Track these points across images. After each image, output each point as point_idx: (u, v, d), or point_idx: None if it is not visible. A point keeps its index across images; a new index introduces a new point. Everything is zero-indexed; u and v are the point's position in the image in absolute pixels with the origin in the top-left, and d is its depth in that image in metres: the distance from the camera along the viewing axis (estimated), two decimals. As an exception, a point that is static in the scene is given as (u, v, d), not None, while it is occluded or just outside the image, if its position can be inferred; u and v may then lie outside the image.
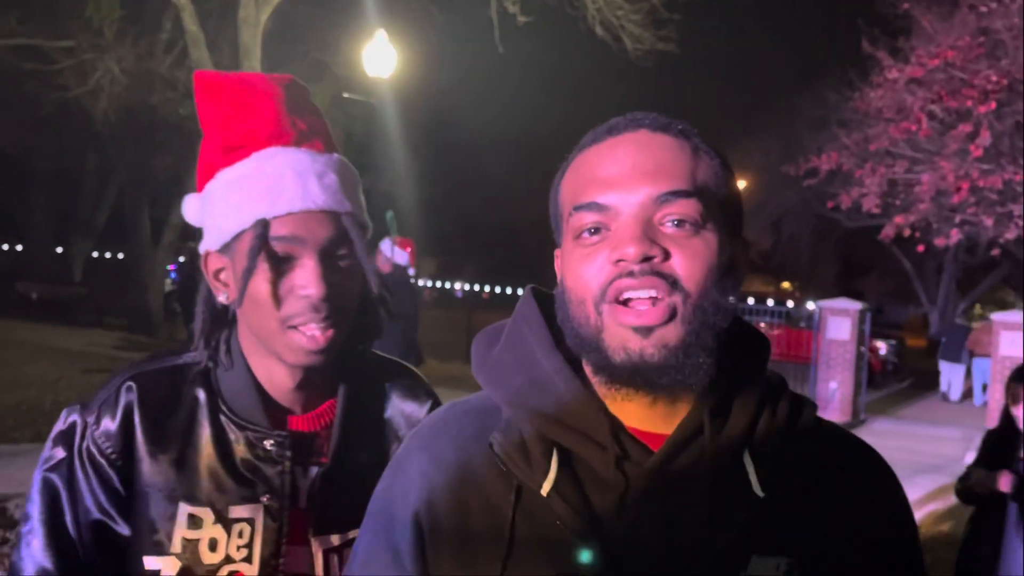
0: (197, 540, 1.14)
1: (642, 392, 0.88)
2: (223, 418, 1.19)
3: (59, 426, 1.19)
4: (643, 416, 0.91)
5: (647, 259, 0.86)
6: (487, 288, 18.24)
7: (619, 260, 0.86)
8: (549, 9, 14.16)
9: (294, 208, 1.13)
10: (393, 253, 6.05)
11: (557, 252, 0.99)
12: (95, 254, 23.87)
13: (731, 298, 0.90)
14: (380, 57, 13.61)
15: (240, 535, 1.16)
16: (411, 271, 6.15)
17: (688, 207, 0.88)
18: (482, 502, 0.92)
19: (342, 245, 1.17)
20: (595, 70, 28.42)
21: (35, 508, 1.16)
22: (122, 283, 19.24)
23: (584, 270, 0.89)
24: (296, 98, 1.21)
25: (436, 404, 1.33)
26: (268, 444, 1.18)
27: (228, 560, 1.15)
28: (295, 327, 1.14)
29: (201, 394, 1.20)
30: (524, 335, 0.98)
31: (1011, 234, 11.97)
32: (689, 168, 0.91)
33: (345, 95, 16.24)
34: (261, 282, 1.13)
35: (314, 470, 1.21)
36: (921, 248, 14.22)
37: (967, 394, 17.06)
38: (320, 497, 1.20)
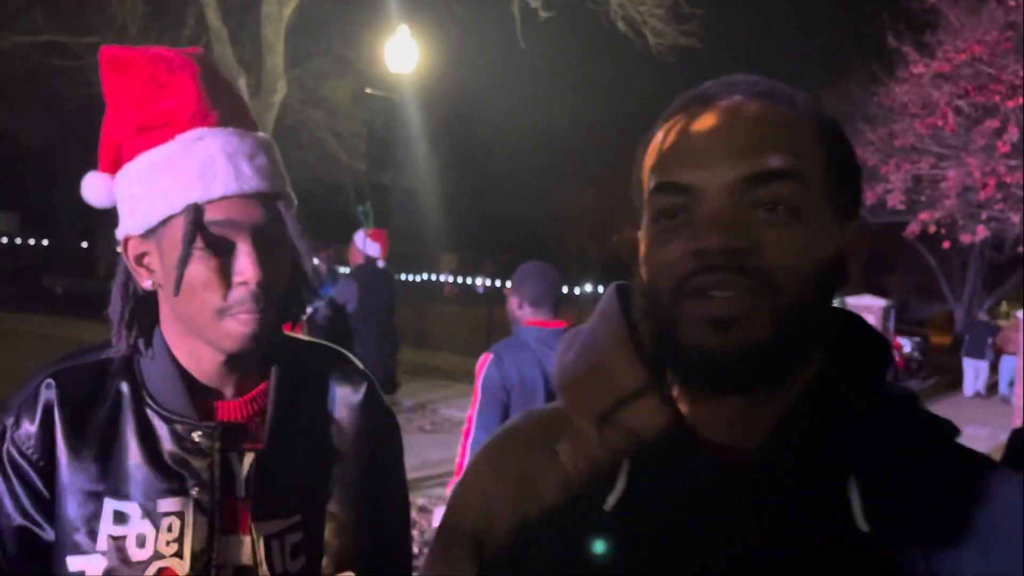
0: (124, 536, 1.10)
1: (723, 399, 0.79)
2: (148, 411, 1.15)
3: None
4: (728, 429, 0.80)
5: (732, 251, 0.74)
6: (507, 284, 18.29)
7: (699, 251, 0.75)
8: (571, 4, 14.10)
9: (228, 192, 1.08)
10: (365, 245, 6.12)
11: (638, 235, 0.88)
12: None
13: (836, 295, 0.80)
14: (402, 52, 13.61)
15: (169, 529, 1.11)
16: (381, 263, 6.14)
17: (785, 190, 0.76)
18: (544, 516, 0.86)
19: (276, 228, 1.13)
20: (617, 65, 28.31)
21: None
22: (146, 278, 19.34)
23: (660, 258, 0.79)
24: (214, 74, 1.16)
25: (372, 388, 1.30)
26: (196, 436, 1.14)
27: (157, 556, 1.11)
28: (232, 315, 1.10)
29: (124, 387, 1.16)
30: (600, 337, 0.89)
31: (1039, 231, 11.82)
32: (790, 142, 0.77)
33: (367, 90, 16.26)
34: (197, 269, 1.09)
35: (250, 457, 1.17)
36: (947, 245, 14.08)
37: (991, 389, 16.89)
38: (257, 484, 1.16)
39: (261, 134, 1.16)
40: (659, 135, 0.84)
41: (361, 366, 1.34)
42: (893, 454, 0.77)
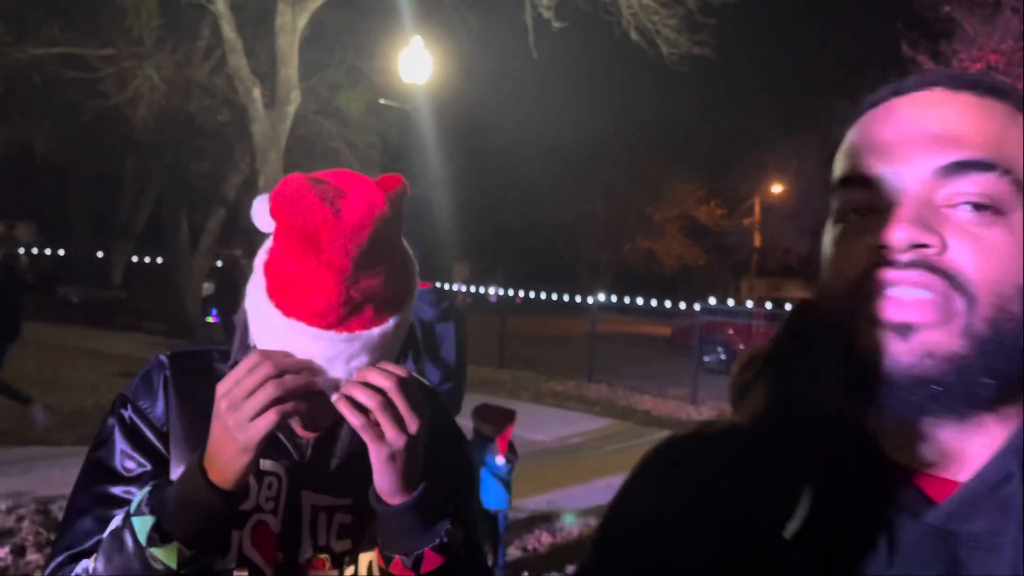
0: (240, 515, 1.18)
1: (910, 419, 0.68)
2: None
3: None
4: (931, 456, 0.69)
5: (918, 247, 0.66)
6: (521, 293, 18.25)
7: (881, 246, 0.67)
8: (584, 14, 14.14)
9: (314, 388, 1.10)
10: None
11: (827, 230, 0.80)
12: (134, 259, 24.17)
13: None
14: (416, 63, 13.68)
15: (269, 487, 1.22)
16: None
17: (986, 184, 0.67)
18: (714, 541, 0.75)
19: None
20: (630, 75, 28.35)
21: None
22: (161, 287, 19.49)
23: (839, 256, 0.71)
24: (371, 252, 1.08)
25: (437, 401, 1.36)
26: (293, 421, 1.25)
27: (258, 509, 1.21)
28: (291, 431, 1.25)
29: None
30: (784, 354, 0.80)
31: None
32: (996, 134, 0.69)
33: (381, 101, 16.34)
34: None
35: (324, 437, 1.27)
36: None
37: None
38: (313, 458, 1.26)
39: (377, 331, 1.13)
40: (853, 129, 0.77)
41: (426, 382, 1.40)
42: None
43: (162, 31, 14.78)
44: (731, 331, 17.73)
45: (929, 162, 0.68)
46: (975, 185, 0.67)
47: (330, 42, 16.02)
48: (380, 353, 1.13)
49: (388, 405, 1.06)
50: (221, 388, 1.06)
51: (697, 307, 16.68)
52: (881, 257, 0.67)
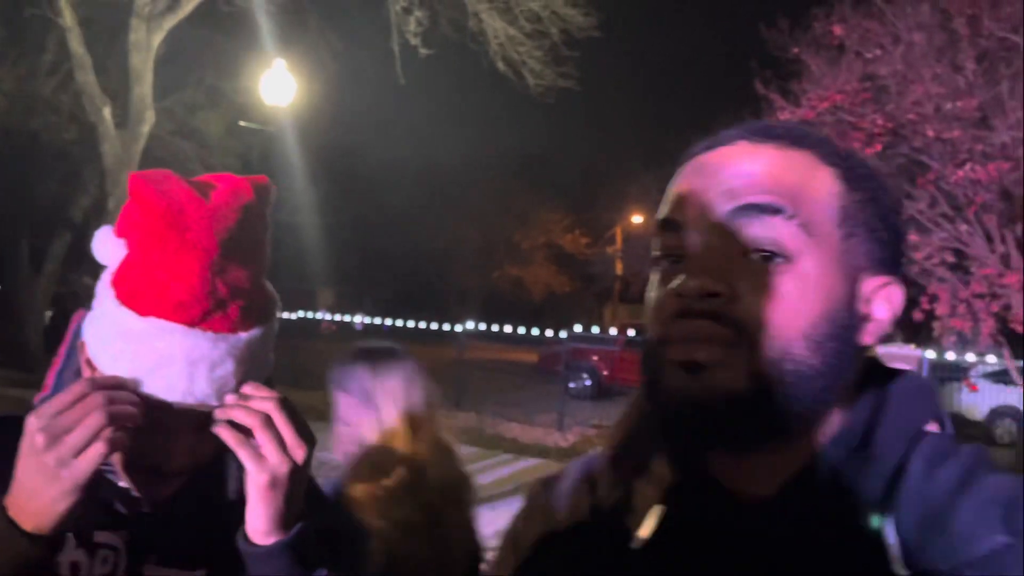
0: (56, 563, 1.04)
1: (693, 445, 0.76)
2: None
3: None
4: (750, 477, 0.75)
5: (710, 296, 0.70)
6: (388, 320, 18.01)
7: (678, 293, 0.71)
8: (451, 43, 14.21)
9: (171, 399, 1.01)
10: None
11: None
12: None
13: (855, 350, 0.73)
14: (278, 85, 13.37)
15: (104, 562, 1.09)
16: None
17: (773, 228, 0.71)
18: (571, 554, 0.85)
19: (209, 428, 1.04)
20: (497, 104, 28.68)
21: None
22: (-2, 316, 18.22)
23: (651, 300, 0.77)
24: (234, 244, 1.03)
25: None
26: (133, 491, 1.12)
27: None
28: (147, 483, 1.09)
29: None
30: (636, 392, 0.88)
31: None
32: (790, 181, 0.72)
33: (241, 123, 15.87)
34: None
35: (170, 504, 1.13)
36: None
37: None
38: (161, 531, 1.12)
39: (244, 336, 1.05)
40: (670, 184, 0.82)
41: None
42: (937, 496, 0.70)
43: (2, 43, 13.90)
44: (596, 357, 18.09)
45: (721, 206, 0.72)
46: (764, 229, 0.71)
47: (188, 61, 15.48)
48: (246, 367, 1.04)
49: (271, 426, 0.98)
50: (36, 422, 0.92)
51: (564, 334, 16.95)
52: (679, 303, 0.72)
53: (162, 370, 1.00)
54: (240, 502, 1.02)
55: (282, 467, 0.97)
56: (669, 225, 0.76)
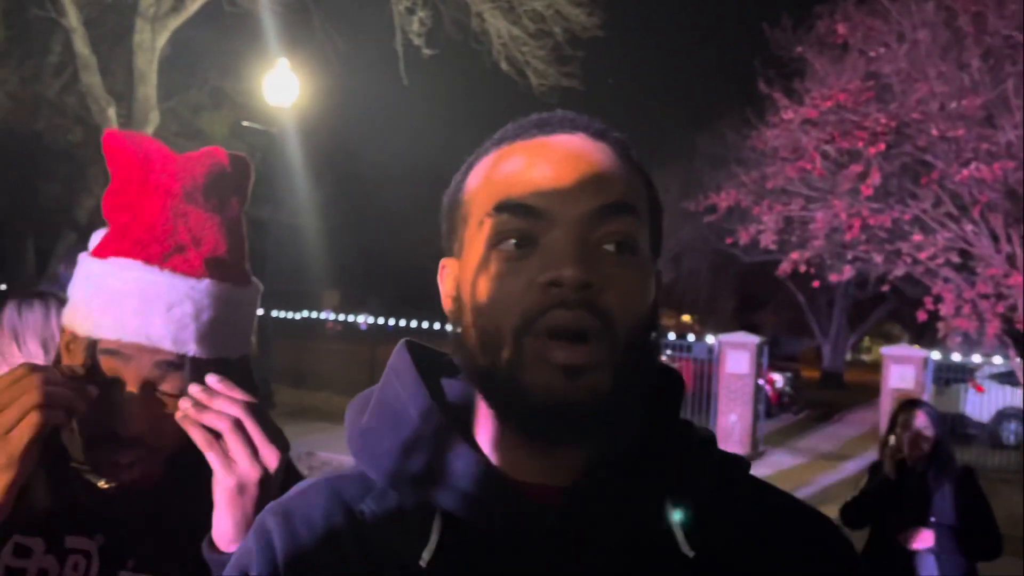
0: (23, 570, 1.03)
1: (555, 444, 0.75)
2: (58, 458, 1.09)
3: None
4: (541, 469, 0.76)
5: (585, 287, 0.70)
6: (392, 321, 18.01)
7: (552, 284, 0.71)
8: (454, 43, 14.21)
9: (124, 337, 1.01)
10: None
11: (446, 263, 0.84)
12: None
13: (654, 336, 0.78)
14: (282, 85, 13.36)
15: (75, 568, 1.06)
16: None
17: (628, 226, 0.75)
18: None
19: (174, 380, 1.04)
20: (500, 104, 28.63)
21: None
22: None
23: (501, 289, 0.73)
24: (199, 194, 1.05)
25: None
26: (103, 483, 1.09)
27: None
28: (105, 459, 1.05)
29: None
30: (395, 391, 0.83)
31: (899, 271, 12.45)
32: (628, 183, 0.78)
33: (244, 123, 15.88)
34: (94, 400, 1.02)
35: (144, 506, 1.11)
36: (815, 283, 14.67)
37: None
38: (143, 534, 1.10)
39: (208, 282, 1.05)
40: (493, 157, 0.80)
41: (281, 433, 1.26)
42: (705, 482, 0.78)
43: (7, 44, 13.91)
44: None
45: (589, 202, 0.73)
46: (622, 226, 0.74)
47: (192, 62, 15.50)
48: (209, 318, 1.03)
49: (240, 430, 0.95)
50: None
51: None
52: (550, 294, 0.71)
53: (116, 306, 1.00)
54: None
55: (251, 473, 0.95)
56: (523, 210, 0.74)
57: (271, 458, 0.97)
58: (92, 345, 1.03)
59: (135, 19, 12.45)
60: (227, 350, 1.08)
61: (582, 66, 14.46)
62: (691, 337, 15.04)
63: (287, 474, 1.22)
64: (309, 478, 0.90)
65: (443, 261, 0.85)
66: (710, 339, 14.38)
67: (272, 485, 0.98)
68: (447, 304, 0.83)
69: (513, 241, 0.74)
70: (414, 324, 17.69)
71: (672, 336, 15.12)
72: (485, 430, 0.80)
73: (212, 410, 0.96)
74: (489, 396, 0.76)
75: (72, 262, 1.11)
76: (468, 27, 14.01)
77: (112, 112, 12.47)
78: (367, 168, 29.52)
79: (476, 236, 0.77)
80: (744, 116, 15.24)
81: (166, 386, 1.04)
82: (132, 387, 1.02)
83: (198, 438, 0.95)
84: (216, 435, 0.96)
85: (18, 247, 18.03)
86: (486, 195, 0.77)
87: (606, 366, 0.71)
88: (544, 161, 0.76)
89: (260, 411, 0.98)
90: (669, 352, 15.73)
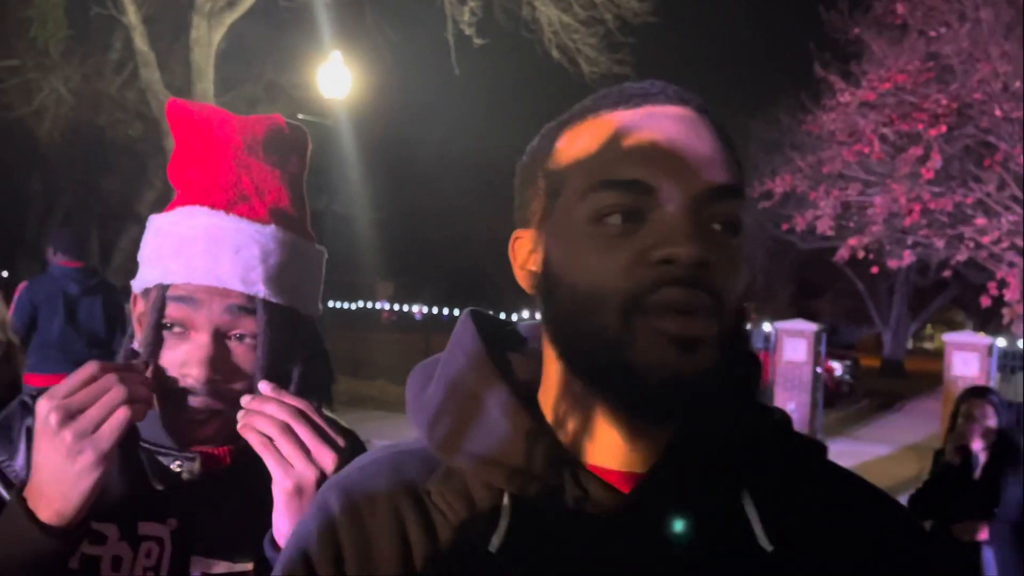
0: (98, 557, 1.03)
1: (663, 422, 0.72)
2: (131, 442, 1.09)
3: None
4: (619, 454, 0.73)
5: (702, 265, 0.68)
6: (446, 310, 18.12)
7: (668, 258, 0.68)
8: (505, 32, 14.18)
9: (194, 279, 1.03)
10: None
11: (521, 234, 0.80)
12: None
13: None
14: (335, 78, 13.49)
15: (148, 555, 1.06)
16: None
17: (736, 207, 0.73)
18: (424, 564, 0.74)
19: (245, 326, 1.05)
20: (552, 92, 28.53)
21: None
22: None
23: (605, 265, 0.69)
24: (261, 150, 1.09)
25: (356, 443, 1.22)
26: (175, 466, 1.10)
27: None
28: (181, 407, 1.05)
29: None
30: (459, 365, 0.80)
31: (962, 256, 12.17)
32: (735, 162, 0.74)
33: (300, 116, 16.07)
34: (162, 352, 1.06)
35: (217, 492, 1.11)
36: (874, 270, 14.39)
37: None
38: (209, 521, 1.10)
39: (273, 227, 1.07)
40: (593, 125, 0.75)
41: (344, 424, 1.26)
42: (781, 472, 0.75)
43: (70, 42, 14.24)
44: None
45: (701, 182, 0.70)
46: (730, 208, 0.72)
47: (248, 56, 15.70)
48: (275, 264, 1.05)
49: (290, 433, 0.96)
50: (47, 403, 0.92)
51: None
52: (664, 272, 0.68)
53: (184, 251, 1.02)
54: None
55: (308, 474, 0.95)
56: (634, 186, 0.70)
57: (327, 459, 0.96)
58: (162, 296, 1.04)
59: (192, 15, 12.66)
60: (295, 300, 1.09)
61: (634, 52, 14.34)
62: (747, 325, 14.86)
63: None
64: (370, 451, 0.88)
65: (518, 233, 0.80)
66: (767, 327, 14.20)
67: None
68: (525, 279, 0.79)
69: (620, 217, 0.70)
70: (467, 313, 17.75)
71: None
72: (556, 408, 0.76)
73: (262, 415, 0.97)
74: (590, 374, 0.72)
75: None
76: (519, 16, 13.98)
77: (171, 107, 12.70)
78: (419, 159, 29.70)
79: (573, 209, 0.73)
80: (799, 100, 15.01)
81: (238, 331, 1.05)
82: (204, 333, 1.03)
83: (254, 441, 0.97)
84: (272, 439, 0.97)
85: (85, 241, 18.49)
86: (586, 167, 0.73)
87: (715, 342, 0.69)
88: (654, 133, 0.72)
89: (309, 416, 0.99)
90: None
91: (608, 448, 0.74)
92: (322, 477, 0.96)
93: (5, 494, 1.05)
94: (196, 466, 1.09)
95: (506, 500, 0.73)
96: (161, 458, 1.10)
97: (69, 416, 0.92)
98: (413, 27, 15.52)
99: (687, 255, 0.67)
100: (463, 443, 0.76)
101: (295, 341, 1.11)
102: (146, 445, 1.10)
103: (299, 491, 0.95)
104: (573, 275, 0.72)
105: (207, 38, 12.70)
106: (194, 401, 1.05)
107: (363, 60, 14.88)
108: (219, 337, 1.04)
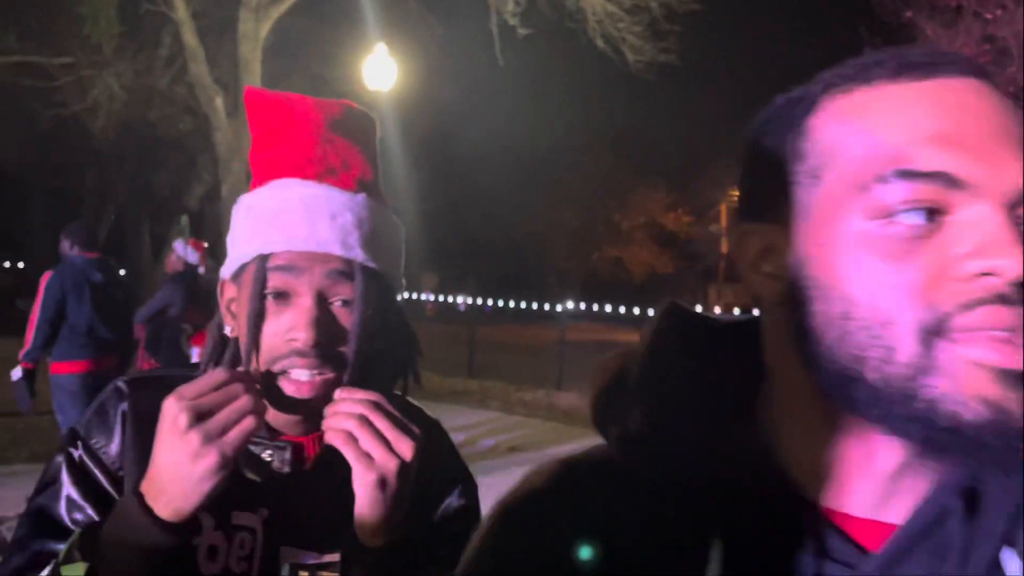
0: (196, 547, 1.05)
1: (982, 469, 0.61)
2: None
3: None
4: (869, 499, 0.61)
5: None
6: (490, 302, 18.19)
7: (986, 273, 0.55)
8: (549, 22, 14.12)
9: (294, 246, 1.03)
10: (186, 252, 7.06)
11: (755, 229, 0.66)
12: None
13: None
14: (380, 71, 13.56)
15: (242, 545, 1.07)
16: (201, 270, 7.12)
17: None
18: None
19: (345, 291, 1.06)
20: (596, 82, 28.41)
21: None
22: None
23: (896, 275, 0.57)
24: (340, 127, 1.12)
25: (438, 429, 1.25)
26: (266, 455, 1.10)
27: (227, 573, 1.06)
28: (285, 377, 1.04)
29: None
30: (664, 368, 0.69)
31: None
32: None
33: (345, 109, 16.20)
34: (264, 325, 1.05)
35: (305, 482, 1.11)
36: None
37: None
38: (298, 511, 1.10)
39: (364, 196, 1.10)
40: (855, 101, 0.62)
41: (423, 411, 1.28)
42: None
43: (122, 39, 14.51)
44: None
45: (1019, 174, 0.57)
46: None
47: (294, 50, 15.86)
48: (368, 230, 1.07)
49: (368, 424, 0.97)
50: (176, 403, 0.93)
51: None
52: (982, 287, 0.55)
53: (282, 220, 1.04)
54: None
55: (390, 464, 0.96)
56: (940, 178, 0.57)
57: (406, 448, 0.97)
58: (262, 267, 1.04)
59: (239, 9, 12.82)
60: (387, 267, 1.11)
61: (679, 41, 14.20)
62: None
63: (450, 454, 1.25)
64: (540, 464, 0.75)
65: (748, 227, 0.67)
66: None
67: (410, 477, 0.99)
68: (760, 284, 0.66)
69: (918, 215, 0.57)
70: (511, 304, 17.82)
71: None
72: (790, 433, 0.65)
73: (339, 412, 0.98)
74: (870, 410, 0.59)
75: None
76: (563, 5, 13.91)
77: (219, 101, 12.89)
78: (464, 150, 29.77)
79: (845, 201, 0.60)
80: (849, 86, 14.71)
81: (338, 296, 1.06)
82: (307, 297, 1.04)
83: (335, 439, 0.97)
84: (354, 437, 0.98)
85: (136, 234, 18.87)
86: (868, 151, 0.59)
87: None
88: (956, 113, 0.58)
89: (384, 407, 1.00)
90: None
91: (856, 491, 0.62)
92: (403, 466, 0.97)
93: (102, 479, 1.07)
94: (287, 454, 1.10)
95: (717, 535, 0.61)
96: (253, 447, 1.09)
97: (198, 418, 0.92)
98: (457, 18, 15.55)
99: (1014, 269, 0.54)
100: (660, 461, 0.67)
101: (389, 309, 1.14)
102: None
103: (382, 483, 0.96)
104: (846, 285, 0.59)
105: (254, 32, 12.84)
106: (300, 363, 1.04)
107: (408, 52, 14.94)
108: (322, 301, 1.05)
